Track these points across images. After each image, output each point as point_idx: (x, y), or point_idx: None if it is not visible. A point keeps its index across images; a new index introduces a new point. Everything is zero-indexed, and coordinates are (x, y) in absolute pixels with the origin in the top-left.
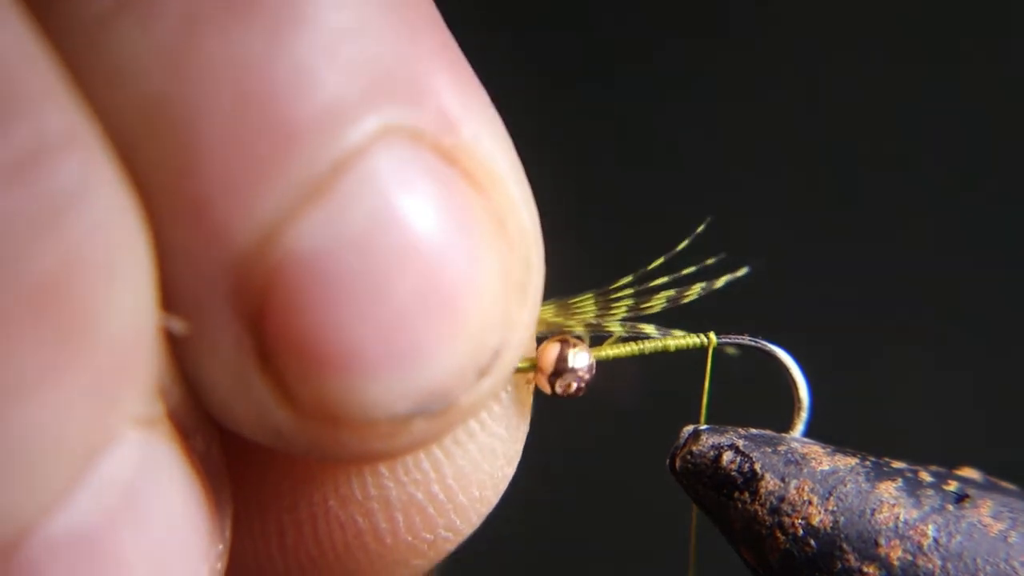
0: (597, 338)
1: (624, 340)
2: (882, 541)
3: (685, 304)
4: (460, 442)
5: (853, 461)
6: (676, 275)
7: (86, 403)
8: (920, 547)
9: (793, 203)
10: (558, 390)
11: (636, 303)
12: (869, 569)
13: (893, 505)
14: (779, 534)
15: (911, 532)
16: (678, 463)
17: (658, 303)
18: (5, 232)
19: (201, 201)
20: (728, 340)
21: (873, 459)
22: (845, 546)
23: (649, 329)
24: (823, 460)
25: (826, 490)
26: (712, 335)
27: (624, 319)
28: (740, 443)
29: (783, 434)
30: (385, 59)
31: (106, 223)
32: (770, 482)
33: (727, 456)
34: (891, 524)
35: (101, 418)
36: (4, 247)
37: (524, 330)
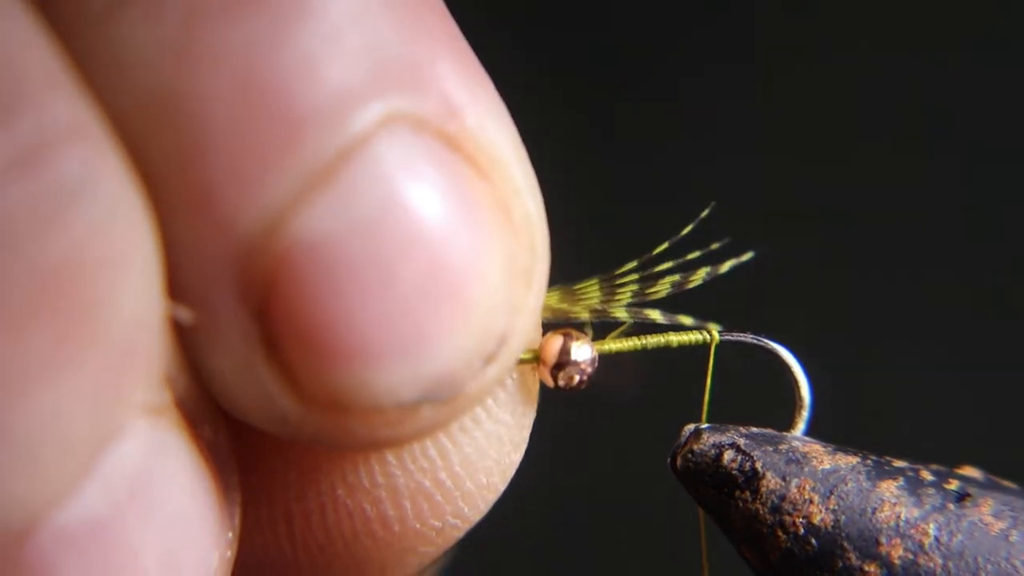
0: (600, 331)
1: (627, 334)
2: (883, 540)
3: (689, 296)
4: (466, 429)
5: (854, 460)
6: (681, 260)
7: (94, 394)
8: (921, 546)
9: (793, 203)
10: (560, 383)
11: (641, 288)
12: (870, 568)
13: (894, 504)
14: (780, 533)
15: (912, 531)
16: (679, 462)
17: (663, 288)
18: (11, 225)
19: (207, 190)
20: (730, 338)
21: (874, 458)
22: (846, 545)
23: (654, 315)
24: (824, 459)
25: (827, 489)
26: (715, 332)
27: (629, 304)
28: (741, 442)
29: (784, 433)
30: (388, 47)
31: (112, 214)
32: (771, 481)
33: (728, 455)
34: (892, 523)
35: (109, 408)
36: (10, 240)
37: (530, 316)
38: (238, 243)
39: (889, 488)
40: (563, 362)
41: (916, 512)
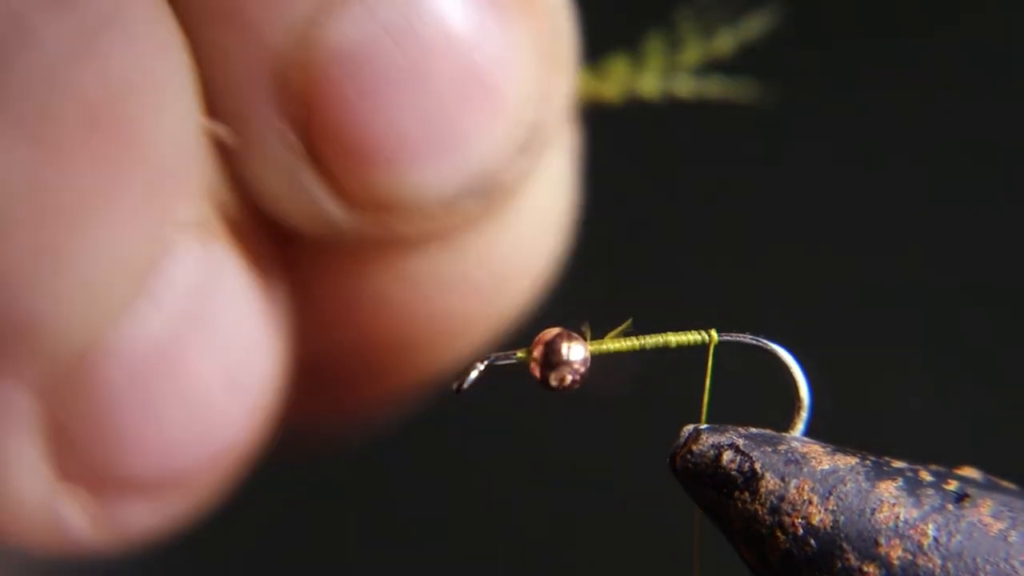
0: (600, 331)
1: (626, 333)
2: (882, 540)
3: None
4: (507, 217)
5: (853, 460)
6: (706, 23)
7: (141, 214)
8: (920, 546)
9: (793, 202)
10: (553, 383)
11: (669, 57)
12: (869, 568)
13: (893, 504)
14: (779, 533)
15: (911, 531)
16: (678, 462)
17: (692, 55)
18: (49, 59)
19: (237, 6)
20: (729, 338)
21: (873, 458)
22: (845, 545)
23: (684, 84)
24: (823, 459)
25: (826, 489)
26: (713, 332)
27: (660, 72)
28: (740, 442)
29: (783, 433)
30: None
31: (145, 41)
32: (770, 481)
33: (727, 455)
34: (891, 523)
35: (158, 227)
36: (50, 75)
37: (560, 100)
38: (272, 56)
39: (888, 489)
40: (556, 362)
41: (915, 513)
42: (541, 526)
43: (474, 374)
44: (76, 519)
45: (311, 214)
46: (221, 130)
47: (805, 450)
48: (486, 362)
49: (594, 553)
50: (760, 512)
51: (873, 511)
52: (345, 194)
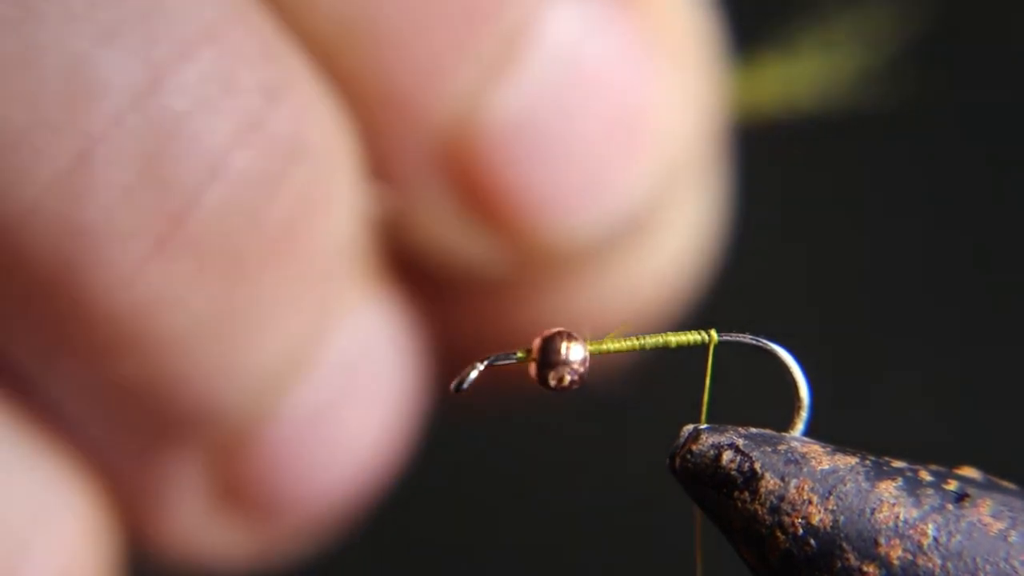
0: (599, 332)
1: (625, 335)
2: (882, 540)
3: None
4: (647, 245)
5: (853, 460)
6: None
7: (312, 310)
8: (920, 546)
9: (793, 202)
10: (551, 383)
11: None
12: (869, 568)
13: (893, 504)
14: (779, 533)
15: (911, 531)
16: (678, 462)
17: (843, 59)
18: (248, 189)
19: (397, 90)
20: (729, 338)
21: (873, 458)
22: (845, 545)
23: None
24: (823, 459)
25: (826, 489)
26: (713, 332)
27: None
28: (740, 442)
29: (783, 433)
30: None
31: (324, 159)
32: (770, 481)
33: (727, 455)
34: (891, 523)
35: (325, 316)
36: (241, 201)
37: (695, 130)
38: (436, 135)
39: (888, 488)
40: (554, 361)
41: (915, 513)
42: (541, 526)
43: (474, 374)
44: (230, 548)
45: (470, 260)
46: (385, 194)
47: (805, 450)
48: (486, 362)
49: (594, 553)
50: (760, 512)
51: (873, 511)
52: (503, 242)
